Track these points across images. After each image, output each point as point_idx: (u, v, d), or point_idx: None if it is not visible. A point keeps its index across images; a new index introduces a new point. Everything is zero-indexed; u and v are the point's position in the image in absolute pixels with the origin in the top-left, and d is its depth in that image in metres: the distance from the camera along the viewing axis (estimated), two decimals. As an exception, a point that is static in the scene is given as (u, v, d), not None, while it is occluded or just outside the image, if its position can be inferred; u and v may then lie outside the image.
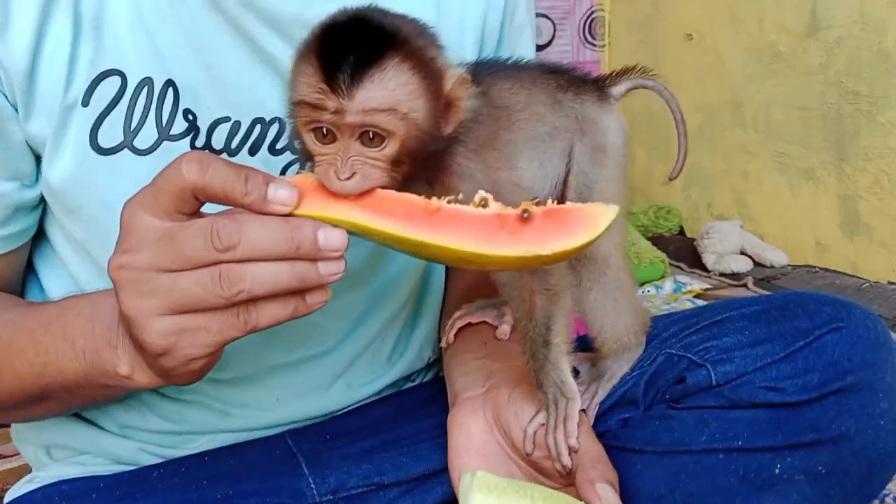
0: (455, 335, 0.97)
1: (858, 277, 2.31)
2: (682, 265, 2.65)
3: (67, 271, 0.92)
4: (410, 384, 1.09)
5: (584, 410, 0.86)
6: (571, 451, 0.77)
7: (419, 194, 0.69)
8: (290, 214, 0.63)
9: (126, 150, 0.83)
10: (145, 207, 0.63)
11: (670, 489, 0.82)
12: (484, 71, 0.77)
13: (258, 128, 0.88)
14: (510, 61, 0.83)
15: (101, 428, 0.95)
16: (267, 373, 0.96)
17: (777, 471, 0.79)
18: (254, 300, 0.63)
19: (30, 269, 0.95)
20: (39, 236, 0.92)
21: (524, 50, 1.04)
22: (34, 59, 0.80)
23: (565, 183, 0.84)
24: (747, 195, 2.76)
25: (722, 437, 0.80)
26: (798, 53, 2.48)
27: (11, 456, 1.60)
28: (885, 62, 2.21)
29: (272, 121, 0.89)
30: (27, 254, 0.92)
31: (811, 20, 2.42)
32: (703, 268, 2.60)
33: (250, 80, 0.87)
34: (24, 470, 1.06)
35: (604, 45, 3.33)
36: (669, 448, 0.83)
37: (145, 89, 0.83)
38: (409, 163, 0.66)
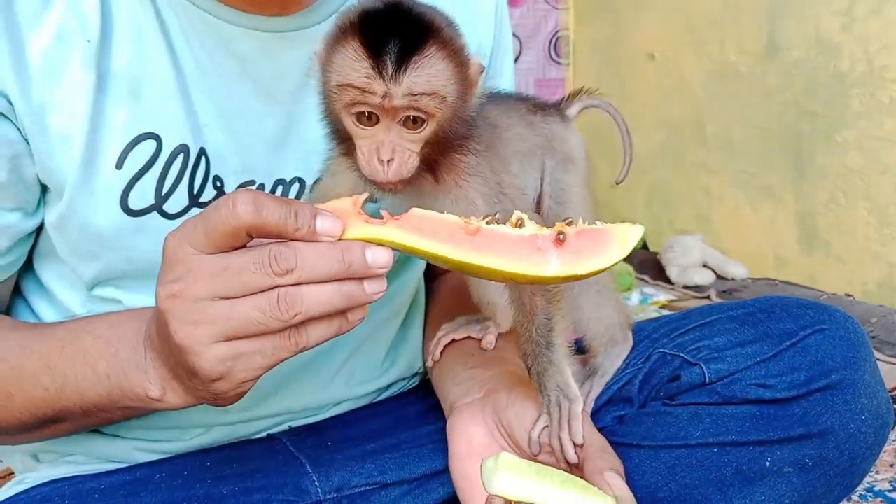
0: (440, 352, 1.01)
1: (816, 290, 2.40)
2: (646, 278, 2.72)
3: (54, 298, 0.92)
4: (405, 382, 1.12)
5: None
6: (576, 447, 0.80)
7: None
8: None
9: (155, 212, 0.86)
10: (193, 242, 0.65)
11: (667, 481, 0.87)
12: None
13: (280, 189, 0.92)
14: (491, 91, 0.90)
15: (94, 430, 0.95)
16: None
17: (768, 463, 0.83)
18: (304, 322, 0.65)
19: (16, 292, 0.95)
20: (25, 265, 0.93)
21: (505, 84, 1.11)
22: (45, 100, 0.80)
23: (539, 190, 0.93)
24: (709, 211, 2.84)
25: (716, 432, 0.85)
26: (757, 75, 2.58)
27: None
28: (840, 84, 2.31)
29: (292, 181, 0.92)
30: (14, 280, 0.93)
31: (769, 43, 2.52)
32: (667, 280, 2.67)
33: (273, 144, 0.91)
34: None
35: (568, 64, 3.42)
36: (665, 442, 0.87)
37: (180, 156, 0.86)
38: (435, 144, 0.71)
